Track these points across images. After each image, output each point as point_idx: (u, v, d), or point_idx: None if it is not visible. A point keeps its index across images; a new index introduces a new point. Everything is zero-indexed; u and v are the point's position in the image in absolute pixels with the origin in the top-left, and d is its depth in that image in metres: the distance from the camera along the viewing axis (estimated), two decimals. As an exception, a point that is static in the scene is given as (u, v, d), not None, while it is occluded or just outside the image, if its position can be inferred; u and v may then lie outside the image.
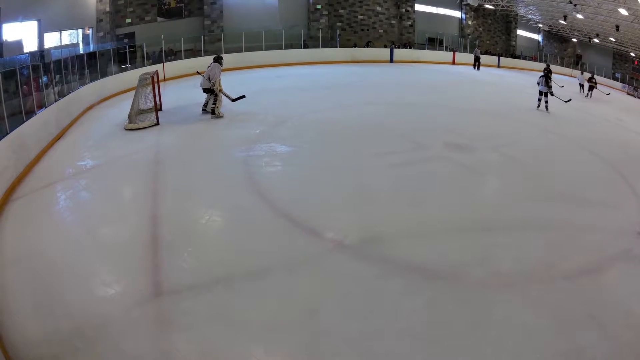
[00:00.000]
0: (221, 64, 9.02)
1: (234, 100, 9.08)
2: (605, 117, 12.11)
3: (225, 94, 8.96)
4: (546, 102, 11.19)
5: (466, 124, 9.06)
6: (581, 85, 17.05)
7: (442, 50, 22.94)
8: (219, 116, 8.83)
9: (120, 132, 7.87)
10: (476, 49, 22.32)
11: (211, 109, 8.86)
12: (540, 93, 11.28)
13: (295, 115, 9.06)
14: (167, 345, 2.95)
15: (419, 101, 11.51)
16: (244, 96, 9.24)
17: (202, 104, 9.14)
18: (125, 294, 3.45)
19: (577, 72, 20.88)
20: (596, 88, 16.39)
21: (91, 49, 13.00)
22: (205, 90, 8.92)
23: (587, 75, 17.53)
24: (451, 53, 22.76)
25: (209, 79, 8.78)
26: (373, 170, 6.15)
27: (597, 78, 17.93)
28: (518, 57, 26.56)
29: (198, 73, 9.55)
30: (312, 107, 9.93)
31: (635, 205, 5.68)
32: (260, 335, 3.07)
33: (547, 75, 11.41)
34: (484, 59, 22.05)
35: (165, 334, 3.04)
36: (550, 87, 11.25)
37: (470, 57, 22.06)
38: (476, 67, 20.81)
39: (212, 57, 9.37)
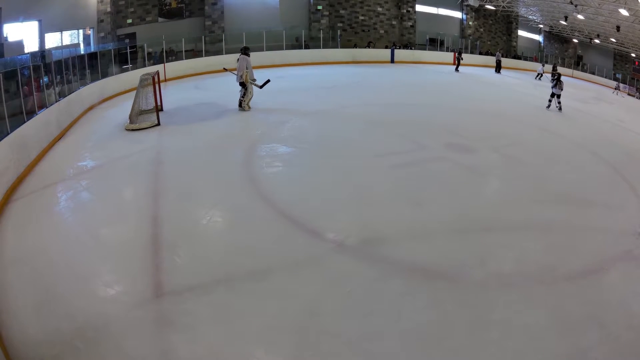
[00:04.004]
0: (248, 55, 9.24)
1: (261, 86, 9.46)
2: (607, 118, 12.11)
3: (253, 84, 9.32)
4: (558, 102, 11.77)
5: (467, 125, 9.04)
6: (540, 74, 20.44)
7: (443, 50, 22.91)
8: (244, 109, 9.22)
9: (121, 132, 7.87)
10: (498, 52, 22.18)
11: (239, 102, 9.26)
12: (552, 95, 11.91)
13: (295, 116, 9.06)
14: (168, 345, 2.95)
15: (420, 102, 11.50)
16: (268, 80, 9.65)
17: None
18: (126, 295, 3.45)
19: (578, 72, 22.48)
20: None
21: (92, 50, 13.00)
22: (240, 84, 9.28)
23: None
24: (452, 54, 22.72)
25: (239, 74, 9.13)
26: (374, 171, 6.15)
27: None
28: (519, 58, 26.52)
29: (225, 70, 10.49)
30: (313, 107, 9.93)
31: (637, 206, 5.68)
32: (261, 336, 3.08)
33: (558, 79, 12.02)
34: (483, 59, 21.96)
35: (166, 335, 3.04)
36: (560, 90, 11.82)
37: (471, 58, 21.94)
38: (497, 71, 20.59)
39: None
